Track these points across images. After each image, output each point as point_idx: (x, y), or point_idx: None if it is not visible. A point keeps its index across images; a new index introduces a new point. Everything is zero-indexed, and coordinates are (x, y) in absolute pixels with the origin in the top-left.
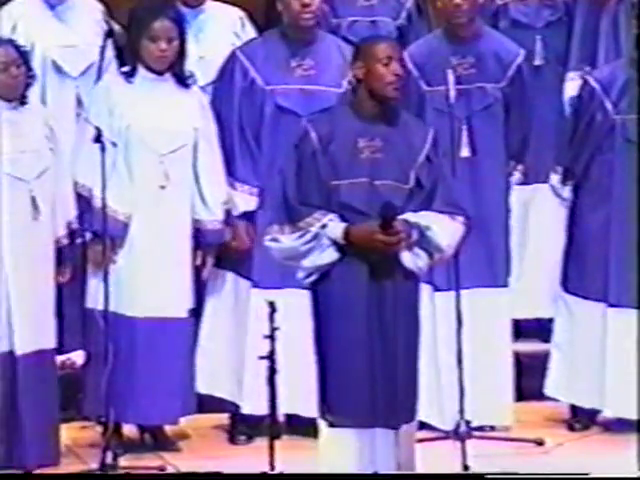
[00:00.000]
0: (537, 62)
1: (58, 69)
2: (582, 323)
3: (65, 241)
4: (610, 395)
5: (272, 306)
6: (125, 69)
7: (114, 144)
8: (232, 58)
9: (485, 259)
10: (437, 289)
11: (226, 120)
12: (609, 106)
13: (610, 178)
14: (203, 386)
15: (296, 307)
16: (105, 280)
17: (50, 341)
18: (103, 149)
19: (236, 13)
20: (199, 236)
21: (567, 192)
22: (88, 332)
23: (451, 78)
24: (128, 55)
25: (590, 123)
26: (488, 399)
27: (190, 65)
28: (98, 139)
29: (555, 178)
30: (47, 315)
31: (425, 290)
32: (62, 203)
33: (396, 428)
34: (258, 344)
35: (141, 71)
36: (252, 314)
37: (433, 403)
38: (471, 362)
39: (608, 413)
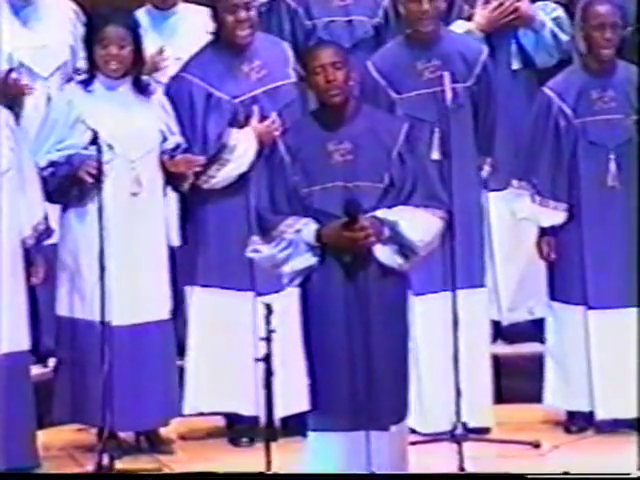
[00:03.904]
0: (514, 66)
1: (28, 70)
2: (569, 328)
3: (31, 241)
4: (599, 396)
5: (268, 308)
6: (81, 78)
7: (110, 146)
8: (184, 84)
9: (464, 261)
10: (416, 293)
11: (192, 144)
12: (568, 111)
13: (577, 183)
14: (207, 406)
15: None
16: (102, 288)
17: (23, 343)
18: (99, 151)
19: (208, 12)
20: None
21: (523, 207)
22: (59, 338)
23: (447, 79)
24: (85, 63)
25: (555, 131)
26: (470, 401)
27: (167, 67)
28: (94, 141)
29: (511, 192)
30: (19, 317)
31: None
32: (28, 204)
33: (382, 429)
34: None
35: (99, 79)
36: (252, 320)
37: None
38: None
39: (600, 415)
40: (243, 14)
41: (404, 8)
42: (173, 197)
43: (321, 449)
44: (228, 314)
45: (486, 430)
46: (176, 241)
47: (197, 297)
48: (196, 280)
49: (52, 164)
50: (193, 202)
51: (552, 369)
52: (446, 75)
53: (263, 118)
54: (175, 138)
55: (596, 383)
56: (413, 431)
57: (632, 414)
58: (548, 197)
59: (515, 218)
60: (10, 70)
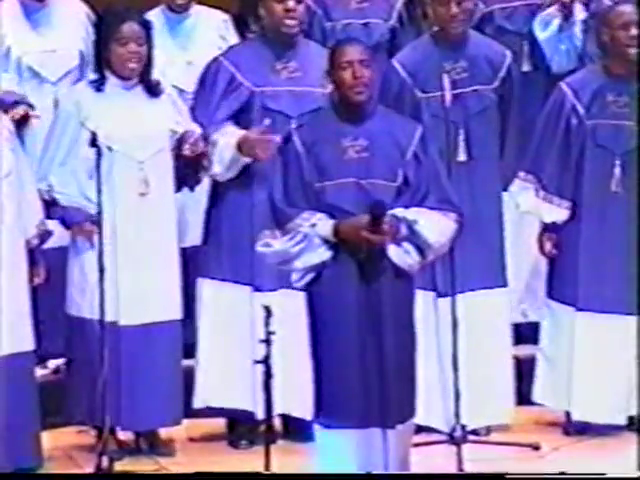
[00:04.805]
0: (525, 68)
1: (35, 74)
2: (561, 327)
3: (35, 242)
4: (576, 398)
5: (268, 310)
6: (93, 78)
7: (109, 148)
8: (215, 65)
9: (485, 260)
10: (440, 295)
11: (205, 125)
12: (581, 110)
13: (582, 184)
14: (216, 400)
15: (292, 309)
16: (100, 287)
17: (27, 343)
18: (99, 153)
19: (220, 16)
20: None
21: (527, 200)
22: (71, 338)
23: (447, 82)
24: (97, 62)
25: (566, 128)
26: (490, 399)
27: (179, 70)
28: (93, 143)
29: (517, 185)
30: (23, 317)
31: (429, 297)
32: (29, 205)
33: (391, 427)
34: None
35: (110, 79)
36: (256, 319)
37: (437, 406)
38: (475, 364)
39: (575, 416)
40: (292, 3)
41: (432, 10)
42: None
43: (330, 446)
44: (238, 309)
45: (486, 432)
46: (197, 240)
47: (207, 290)
48: (207, 273)
49: (53, 198)
50: (211, 198)
51: (543, 367)
52: (445, 78)
53: (283, 116)
54: (193, 126)
55: (575, 384)
56: (427, 431)
57: (606, 420)
58: (553, 193)
59: (518, 211)
60: (16, 102)
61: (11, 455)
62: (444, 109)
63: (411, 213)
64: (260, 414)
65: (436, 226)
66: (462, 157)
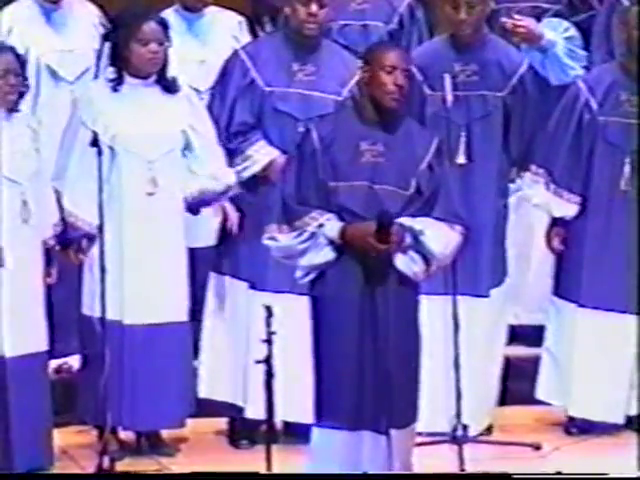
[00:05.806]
0: None
1: (53, 73)
2: (566, 325)
3: (52, 242)
4: (574, 395)
5: (269, 310)
6: (112, 76)
7: (111, 148)
8: (234, 57)
9: (470, 267)
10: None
11: (218, 117)
12: (594, 105)
13: (591, 180)
14: (204, 390)
15: (292, 311)
16: (102, 286)
17: (42, 344)
18: (100, 153)
19: (235, 17)
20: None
21: (537, 193)
22: (85, 337)
23: (448, 83)
24: (115, 62)
25: (578, 123)
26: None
27: (191, 69)
28: (95, 143)
29: (528, 177)
30: (38, 317)
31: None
32: (47, 205)
33: (383, 433)
34: (259, 347)
35: (127, 79)
36: (253, 317)
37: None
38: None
39: (571, 412)
40: (315, 8)
41: (442, 13)
42: None
43: (318, 444)
44: (235, 304)
45: (487, 431)
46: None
47: (211, 282)
48: (213, 266)
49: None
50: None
51: (547, 364)
52: (447, 78)
53: (292, 118)
54: (227, 179)
55: (574, 381)
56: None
57: (604, 418)
58: (563, 187)
59: (529, 205)
60: None
61: (24, 454)
62: (446, 110)
63: (418, 223)
64: (250, 412)
65: (442, 238)
66: (461, 159)
